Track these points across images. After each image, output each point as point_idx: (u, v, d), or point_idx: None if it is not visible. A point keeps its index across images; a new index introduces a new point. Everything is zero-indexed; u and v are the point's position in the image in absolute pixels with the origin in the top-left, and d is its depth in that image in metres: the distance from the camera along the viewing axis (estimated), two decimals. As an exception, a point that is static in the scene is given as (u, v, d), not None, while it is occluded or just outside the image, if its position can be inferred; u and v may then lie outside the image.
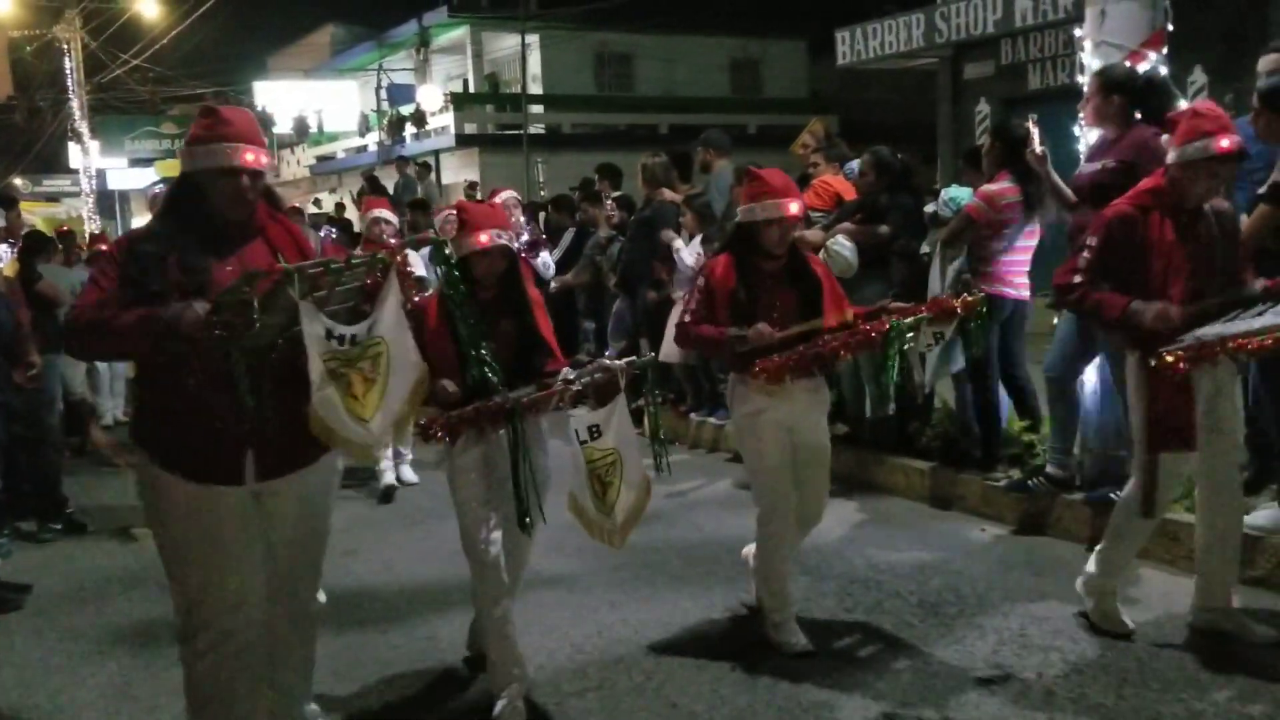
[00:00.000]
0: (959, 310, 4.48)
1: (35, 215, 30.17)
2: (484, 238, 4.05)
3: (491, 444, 4.06)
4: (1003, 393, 6.47)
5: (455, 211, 4.25)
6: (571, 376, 4.03)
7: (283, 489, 3.48)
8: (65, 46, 26.02)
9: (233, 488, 3.37)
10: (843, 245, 6.98)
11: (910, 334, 4.39)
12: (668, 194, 8.77)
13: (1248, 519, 5.08)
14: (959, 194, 6.60)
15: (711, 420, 8.61)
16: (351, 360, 3.25)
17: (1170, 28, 5.75)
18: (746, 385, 4.47)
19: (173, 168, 26.93)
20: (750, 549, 4.91)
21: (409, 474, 7.90)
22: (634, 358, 4.23)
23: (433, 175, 21.96)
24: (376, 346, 3.32)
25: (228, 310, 3.05)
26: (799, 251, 4.61)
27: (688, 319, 4.57)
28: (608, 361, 4.19)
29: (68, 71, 26.23)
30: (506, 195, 9.17)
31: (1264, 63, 5.54)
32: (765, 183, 4.45)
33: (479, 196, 16.61)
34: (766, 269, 4.49)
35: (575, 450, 4.02)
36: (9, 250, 9.28)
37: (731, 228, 4.70)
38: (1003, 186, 6.08)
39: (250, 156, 3.31)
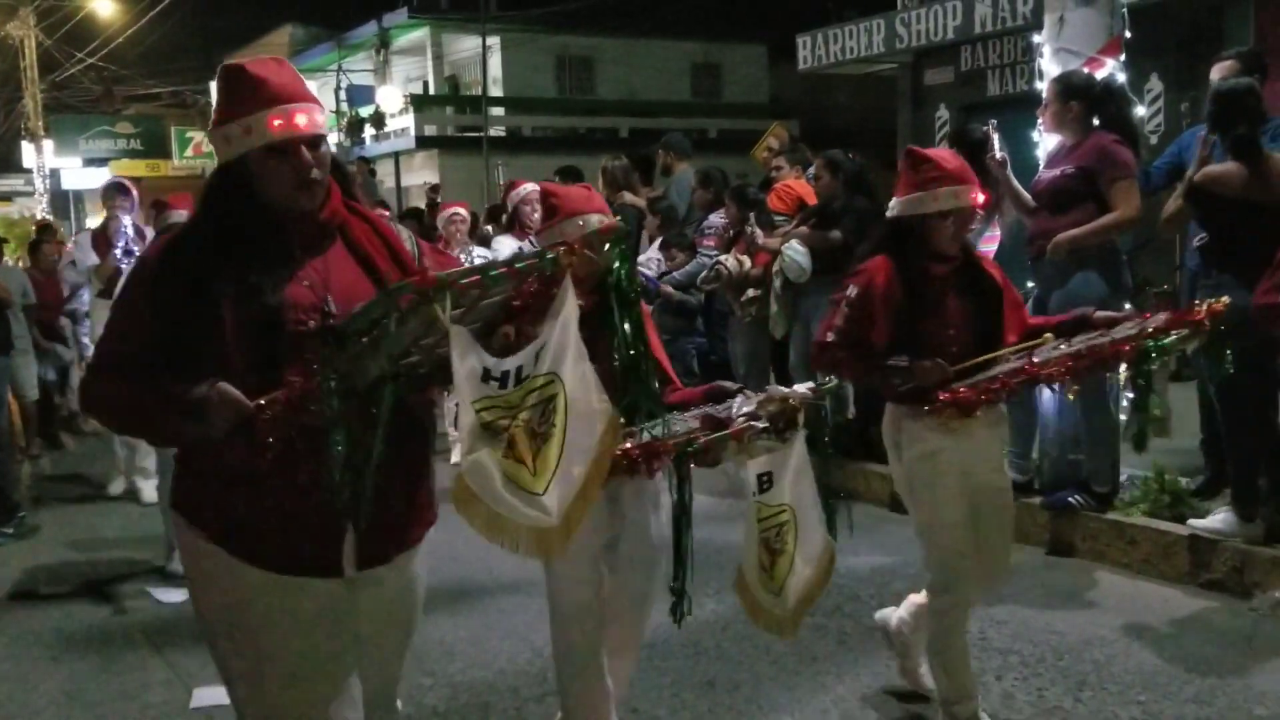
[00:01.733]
0: (1204, 322, 3.44)
1: (-14, 215, 29.77)
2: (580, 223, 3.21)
3: (617, 495, 3.31)
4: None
5: (540, 196, 3.43)
6: (750, 408, 3.08)
7: (387, 577, 2.57)
8: (19, 44, 25.64)
9: (326, 580, 2.47)
10: (796, 251, 6.99)
11: (1161, 353, 3.50)
12: (629, 197, 8.75)
13: (1203, 522, 5.14)
14: (919, 198, 6.63)
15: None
16: (513, 407, 2.32)
17: (1128, 35, 5.81)
18: (916, 419, 3.61)
19: (129, 168, 26.63)
20: (893, 615, 4.10)
21: None
22: (819, 383, 3.30)
23: (376, 177, 21.79)
24: (548, 387, 2.35)
25: (344, 355, 2.23)
26: (973, 252, 3.78)
27: (831, 338, 3.64)
28: (783, 389, 3.19)
29: (21, 69, 25.85)
30: (528, 188, 7.72)
31: (1217, 70, 5.62)
32: (938, 166, 3.57)
33: (439, 199, 16.53)
34: (936, 274, 3.60)
35: (747, 507, 3.21)
36: None
37: (887, 224, 3.75)
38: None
39: (303, 119, 2.38)
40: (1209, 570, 5.07)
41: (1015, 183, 5.64)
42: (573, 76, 30.83)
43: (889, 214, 3.68)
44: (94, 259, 7.75)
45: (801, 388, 3.20)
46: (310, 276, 2.42)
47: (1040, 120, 5.71)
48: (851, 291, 3.63)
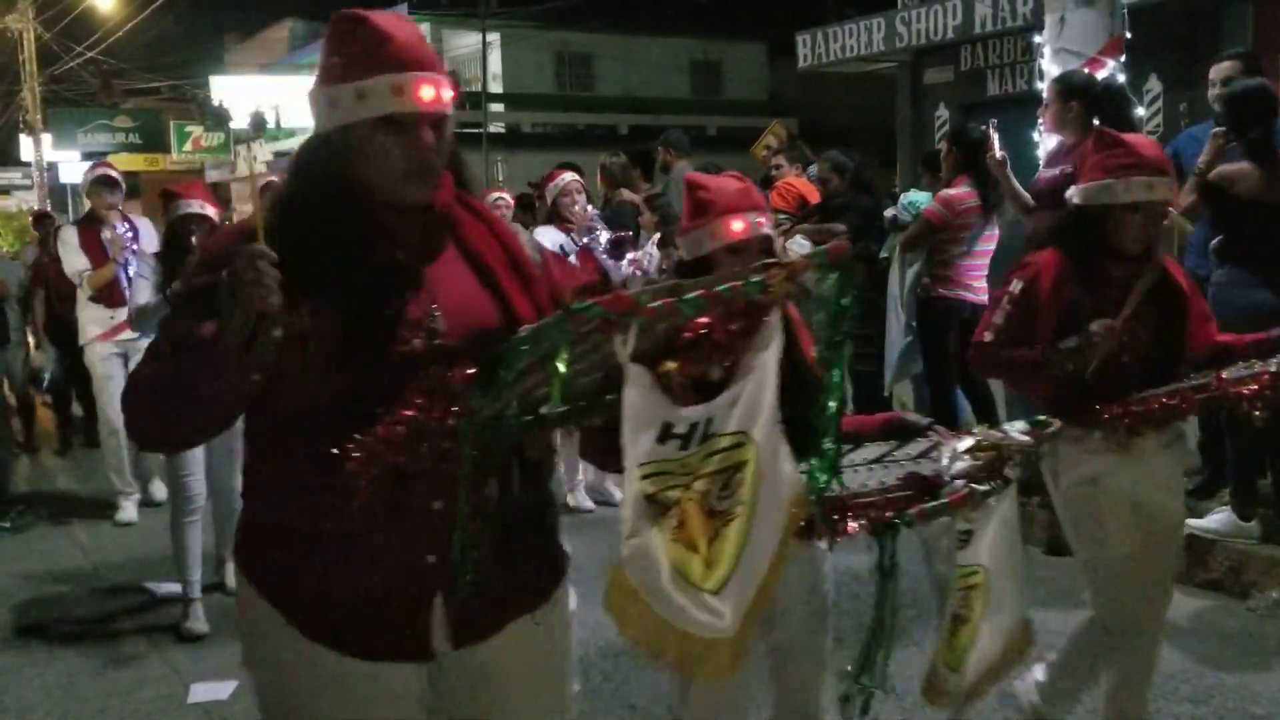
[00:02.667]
0: None
1: (-15, 208, 29.78)
2: (738, 225, 2.69)
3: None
4: (961, 395, 6.51)
5: (686, 188, 2.89)
6: (962, 464, 2.51)
7: (494, 659, 2.02)
8: (17, 37, 25.62)
9: (409, 665, 1.98)
10: (800, 245, 7.00)
11: None
12: (627, 194, 8.75)
13: (1201, 522, 5.14)
14: (918, 198, 6.66)
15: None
16: (689, 474, 1.82)
17: (1128, 35, 5.82)
18: (1076, 442, 3.20)
19: (127, 162, 26.59)
20: (1030, 688, 3.71)
21: None
22: (1036, 422, 2.84)
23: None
24: (737, 451, 1.83)
25: (496, 389, 1.80)
26: (1157, 254, 3.29)
27: (989, 337, 3.27)
28: (995, 433, 2.67)
29: (20, 63, 25.83)
30: (567, 178, 6.89)
31: (1215, 71, 5.62)
32: (1133, 151, 3.13)
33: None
34: (1114, 274, 3.18)
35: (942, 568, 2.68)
36: None
37: (1065, 214, 3.35)
38: (961, 191, 6.12)
39: (428, 92, 1.91)
40: (1206, 570, 5.07)
41: (1015, 182, 5.64)
42: (572, 73, 30.84)
43: (1072, 201, 3.25)
44: (83, 262, 6.87)
45: (1016, 429, 2.72)
46: (414, 285, 1.94)
47: (1041, 120, 5.71)
48: (1015, 287, 3.26)
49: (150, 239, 6.70)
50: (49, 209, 13.74)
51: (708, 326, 1.81)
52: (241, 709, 4.25)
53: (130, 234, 6.78)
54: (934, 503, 2.42)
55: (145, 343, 6.20)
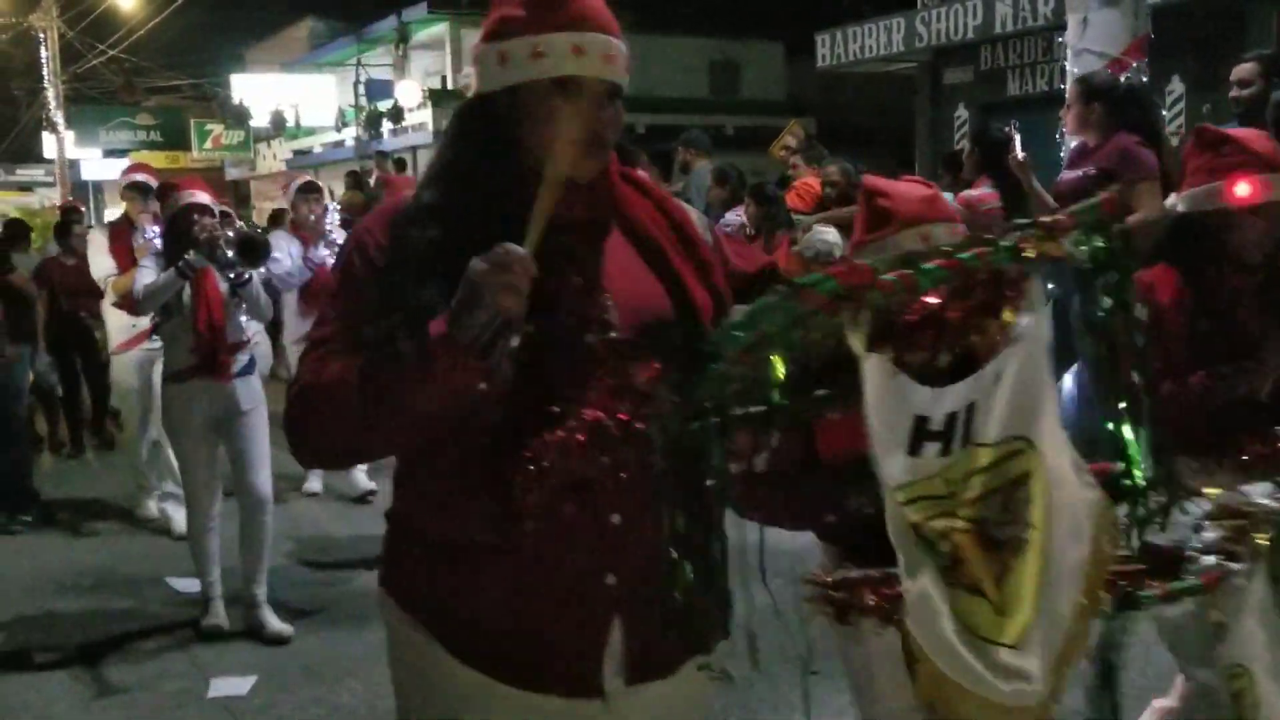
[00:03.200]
0: None
1: (7, 204, 29.96)
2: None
3: None
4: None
5: (864, 196, 2.53)
6: (1211, 534, 2.10)
7: (664, 702, 1.84)
8: (41, 36, 25.78)
9: (580, 701, 1.75)
10: (824, 230, 6.99)
11: None
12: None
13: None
14: (940, 198, 6.63)
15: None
16: (951, 494, 1.52)
17: (1151, 36, 5.80)
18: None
19: (148, 159, 26.75)
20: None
21: (364, 480, 7.08)
22: None
23: (407, 171, 21.87)
24: (1014, 461, 1.53)
25: (707, 381, 1.56)
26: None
27: (1170, 384, 2.76)
28: (1238, 497, 2.20)
29: (43, 61, 25.99)
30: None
31: (1236, 72, 5.60)
32: (1244, 148, 2.79)
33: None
34: (1235, 286, 2.85)
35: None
36: None
37: (1172, 223, 3.00)
38: (983, 192, 6.10)
39: (610, 57, 1.70)
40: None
41: (1037, 184, 5.63)
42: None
43: (1175, 209, 2.96)
44: (109, 265, 6.69)
45: (1260, 492, 2.24)
46: (584, 271, 1.74)
47: (1063, 122, 5.70)
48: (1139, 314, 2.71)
49: None
50: (73, 202, 13.47)
51: (938, 304, 1.52)
52: (261, 704, 4.28)
53: (159, 240, 6.39)
54: (1181, 583, 1.95)
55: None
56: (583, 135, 1.68)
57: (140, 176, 6.79)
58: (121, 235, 6.65)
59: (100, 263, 6.83)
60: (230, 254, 4.82)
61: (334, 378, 1.66)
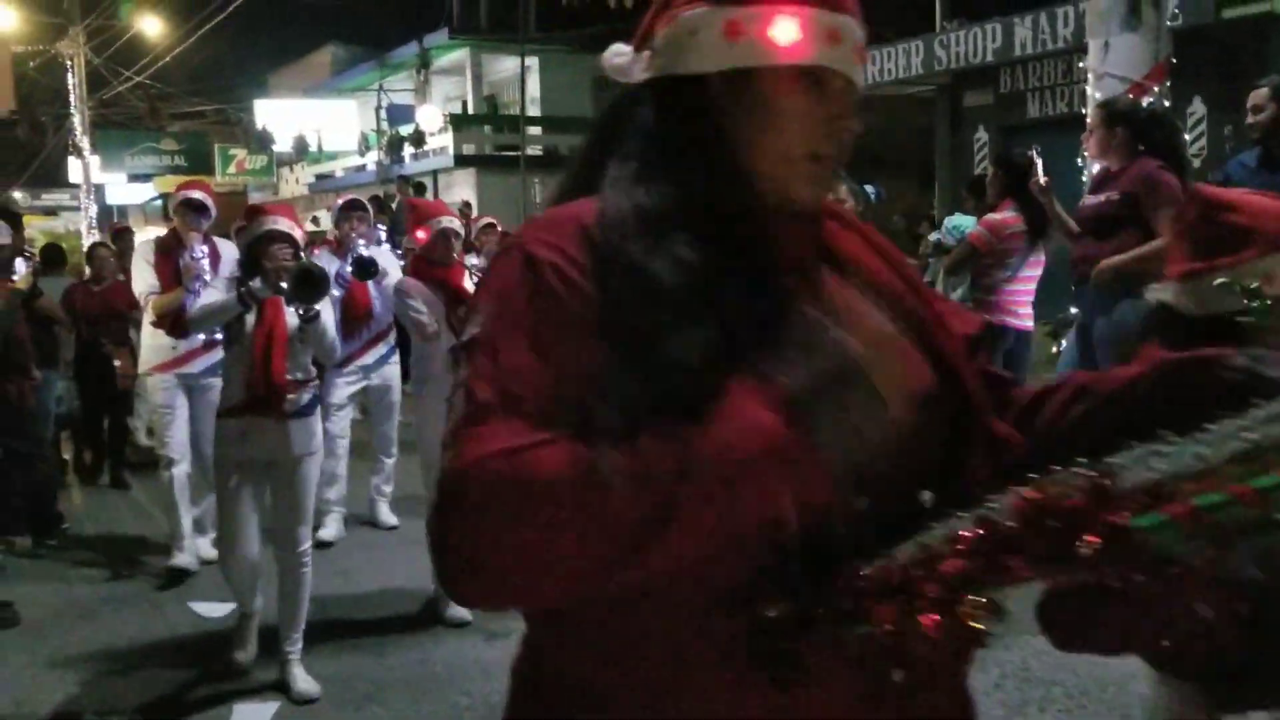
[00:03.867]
0: None
1: (33, 228, 30.26)
2: None
3: None
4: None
5: (1200, 210, 2.11)
6: None
7: None
8: (69, 63, 26.08)
9: None
10: None
11: None
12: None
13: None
14: (962, 222, 6.64)
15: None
16: None
17: (1173, 60, 5.79)
18: None
19: (172, 184, 26.99)
20: None
21: (387, 515, 7.19)
22: None
23: (426, 195, 22.00)
24: None
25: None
26: None
27: None
28: None
29: (70, 87, 26.28)
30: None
31: (1252, 98, 5.60)
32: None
33: (474, 214, 16.62)
34: None
35: None
36: (24, 264, 8.97)
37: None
38: (1006, 215, 6.09)
39: (857, 54, 1.31)
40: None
41: (1059, 208, 5.62)
42: (610, 96, 30.90)
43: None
44: (151, 281, 6.16)
45: None
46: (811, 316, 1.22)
47: (1085, 146, 5.69)
48: None
49: (231, 263, 5.85)
50: (123, 223, 13.15)
51: None
52: (285, 730, 4.28)
53: (207, 260, 6.03)
54: None
55: (210, 378, 5.88)
56: (816, 148, 1.26)
57: (196, 194, 6.28)
58: (169, 252, 6.14)
59: (143, 278, 6.19)
60: (285, 280, 4.48)
61: (553, 473, 1.05)
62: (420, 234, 5.56)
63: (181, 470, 6.23)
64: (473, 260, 8.08)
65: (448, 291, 5.22)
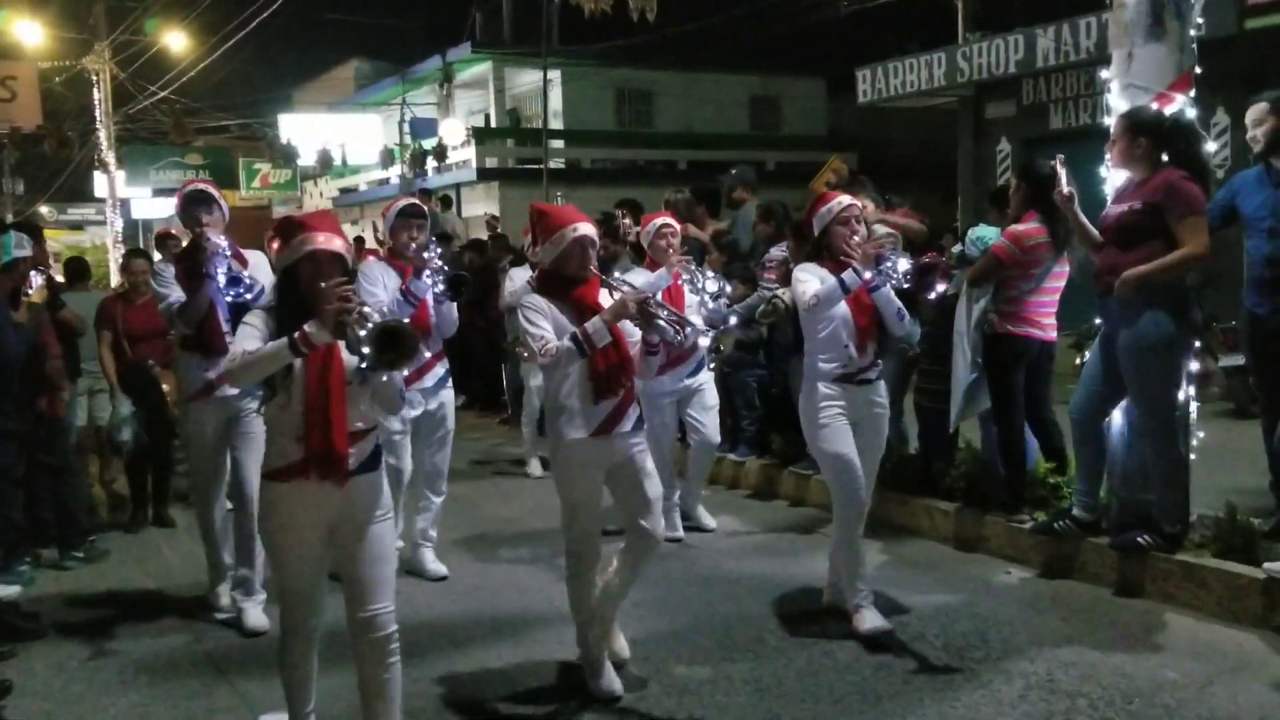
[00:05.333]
0: None
1: (59, 243, 30.53)
2: None
3: None
4: (1030, 434, 6.43)
5: None
6: None
7: None
8: (94, 78, 26.33)
9: None
10: (884, 227, 7.14)
11: None
12: (693, 230, 8.78)
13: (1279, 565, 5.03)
14: (986, 233, 6.60)
15: (731, 456, 8.58)
16: None
17: (1197, 70, 5.75)
18: None
19: (196, 198, 27.19)
20: None
21: (434, 563, 6.39)
22: None
23: (453, 209, 22.09)
24: None
25: None
26: None
27: None
28: None
29: (96, 102, 26.52)
30: (659, 222, 6.77)
31: (1250, 113, 5.58)
32: None
33: (499, 229, 16.66)
34: None
35: None
36: (38, 277, 8.91)
37: None
38: (1029, 227, 6.07)
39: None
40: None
41: (1083, 218, 5.59)
42: (632, 109, 31.02)
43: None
44: (177, 295, 5.57)
45: None
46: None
47: (1108, 156, 5.67)
48: None
49: (265, 272, 5.37)
50: (170, 230, 12.30)
51: None
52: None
53: (225, 244, 5.42)
54: None
55: (253, 404, 5.27)
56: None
57: (195, 187, 5.81)
58: (187, 260, 5.59)
59: (167, 293, 5.62)
60: (361, 335, 3.44)
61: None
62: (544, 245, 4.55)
63: (221, 506, 5.86)
64: (522, 274, 7.98)
65: (581, 312, 4.39)
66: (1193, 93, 5.67)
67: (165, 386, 7.64)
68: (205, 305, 5.53)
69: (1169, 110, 5.56)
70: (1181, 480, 5.53)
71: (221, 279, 5.41)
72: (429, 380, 6.19)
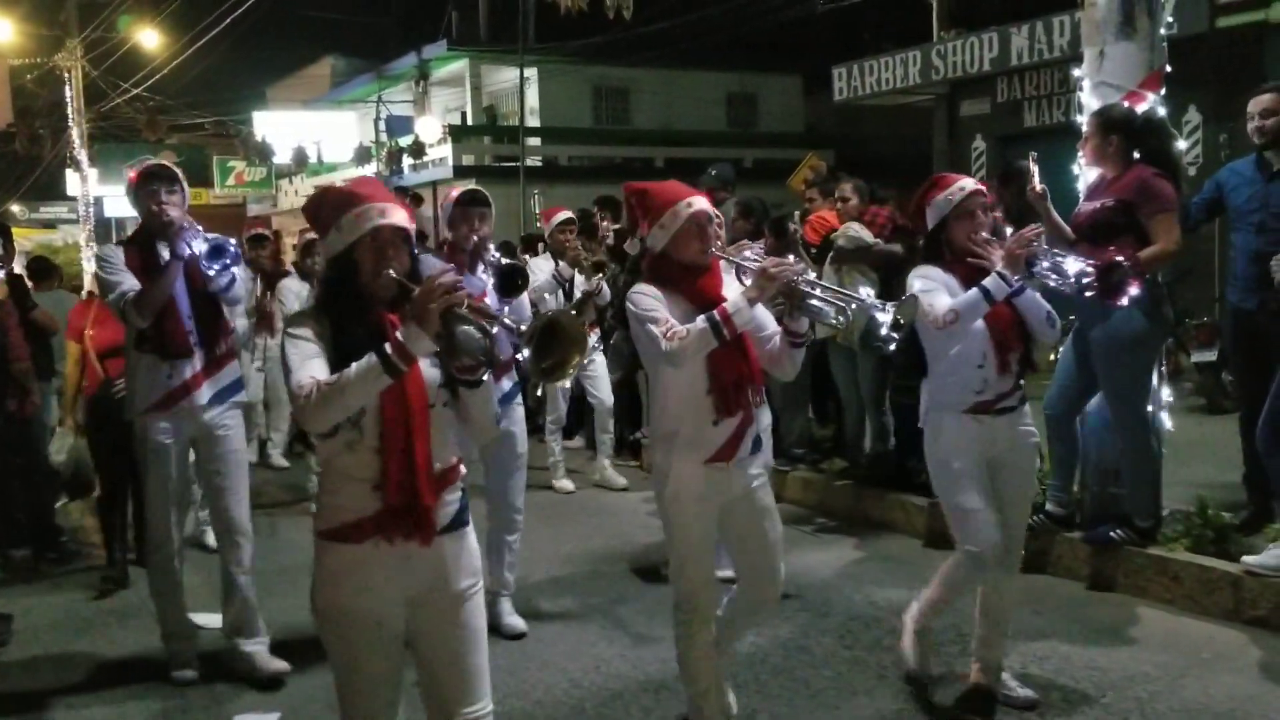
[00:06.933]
0: None
1: (31, 241, 30.27)
2: None
3: None
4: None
5: None
6: None
7: None
8: (66, 75, 26.13)
9: None
10: (858, 227, 7.21)
11: None
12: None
13: (1256, 559, 5.07)
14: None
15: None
16: None
17: (1168, 68, 5.80)
18: None
19: (170, 196, 27.03)
20: None
21: (512, 616, 5.35)
22: None
23: (425, 207, 22.01)
24: None
25: None
26: None
27: None
28: None
29: (68, 100, 26.32)
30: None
31: (1254, 104, 5.61)
32: None
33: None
34: None
35: None
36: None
37: None
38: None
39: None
40: (1253, 607, 5.00)
41: (1055, 215, 5.63)
42: (609, 107, 31.00)
43: None
44: (130, 283, 4.65)
45: None
46: None
47: (1080, 154, 5.71)
48: None
49: (233, 254, 4.68)
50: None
51: None
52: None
53: (192, 227, 4.69)
54: None
55: (226, 414, 4.70)
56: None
57: (149, 163, 4.89)
58: (140, 246, 4.79)
59: (116, 281, 4.70)
60: (483, 338, 2.66)
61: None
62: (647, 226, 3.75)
63: (172, 555, 4.93)
64: (546, 264, 7.89)
65: (705, 306, 3.55)
66: (1163, 91, 5.71)
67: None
68: (168, 294, 4.62)
69: (1140, 108, 5.61)
70: (1153, 475, 5.57)
71: (201, 247, 4.57)
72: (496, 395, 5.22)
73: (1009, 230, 4.44)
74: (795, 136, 30.29)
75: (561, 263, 7.87)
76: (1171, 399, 5.16)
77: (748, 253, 3.77)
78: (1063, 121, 14.62)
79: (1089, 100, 5.81)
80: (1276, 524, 5.43)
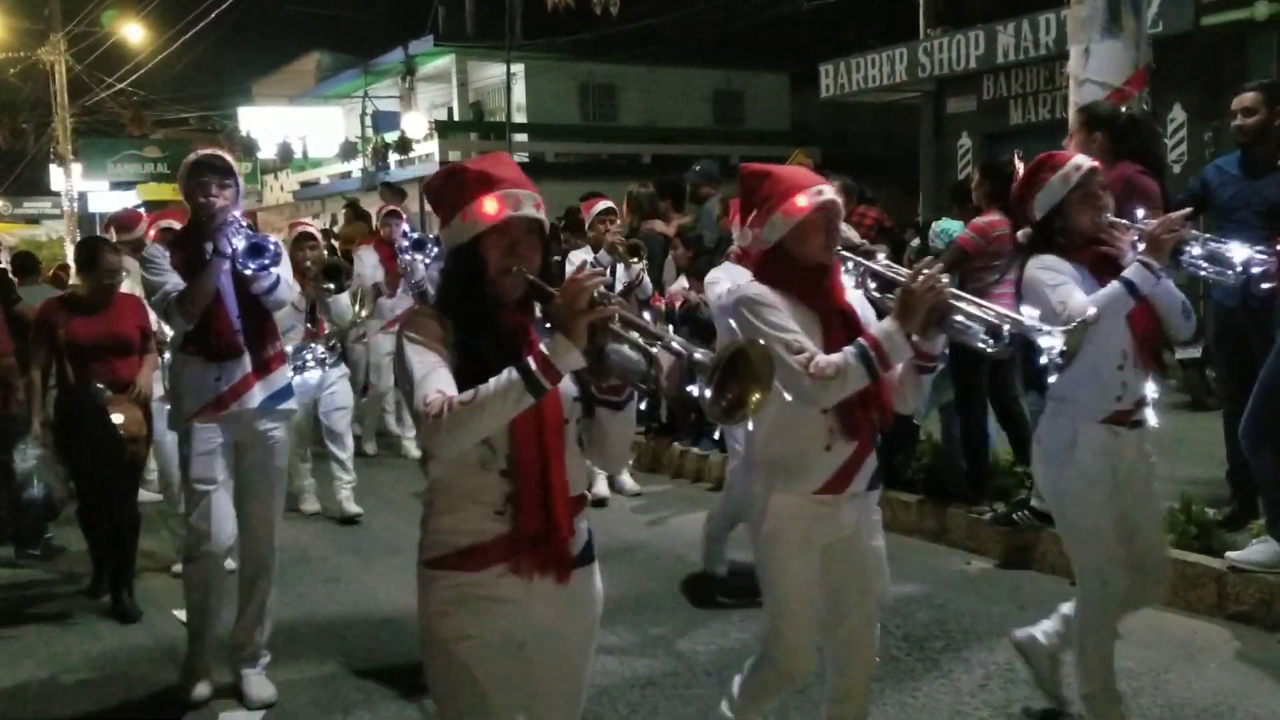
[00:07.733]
0: None
1: (14, 236, 30.13)
2: None
3: None
4: (991, 425, 6.49)
5: None
6: None
7: None
8: (50, 70, 26.00)
9: None
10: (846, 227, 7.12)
11: None
12: (660, 226, 8.78)
13: (1241, 554, 5.10)
14: (950, 226, 6.66)
15: (695, 450, 8.60)
16: None
17: (1152, 66, 5.83)
18: None
19: (155, 191, 26.97)
20: None
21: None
22: None
23: (406, 201, 21.93)
24: None
25: None
26: None
27: None
28: None
29: (52, 94, 26.20)
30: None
31: (1238, 102, 5.64)
32: None
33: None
34: None
35: None
36: None
37: None
38: (993, 218, 6.13)
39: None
40: (1237, 602, 5.03)
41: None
42: (596, 103, 30.99)
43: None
44: (174, 282, 4.46)
45: None
46: None
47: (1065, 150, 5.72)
48: None
49: (286, 265, 4.61)
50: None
51: None
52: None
53: (236, 223, 4.42)
54: None
55: (272, 422, 4.47)
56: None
57: (207, 152, 4.63)
58: (186, 244, 4.62)
59: (164, 279, 4.48)
60: (641, 358, 2.35)
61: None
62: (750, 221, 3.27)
63: (220, 564, 4.65)
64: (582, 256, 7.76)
65: (828, 314, 3.15)
66: (1148, 88, 5.74)
67: (117, 418, 5.64)
68: (211, 292, 4.40)
69: (1125, 106, 5.63)
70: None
71: (240, 244, 4.35)
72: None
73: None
74: (782, 134, 30.33)
75: (600, 252, 7.78)
76: (1157, 395, 5.16)
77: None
78: (1049, 118, 14.69)
79: (1074, 98, 5.84)
80: (1260, 520, 5.45)
